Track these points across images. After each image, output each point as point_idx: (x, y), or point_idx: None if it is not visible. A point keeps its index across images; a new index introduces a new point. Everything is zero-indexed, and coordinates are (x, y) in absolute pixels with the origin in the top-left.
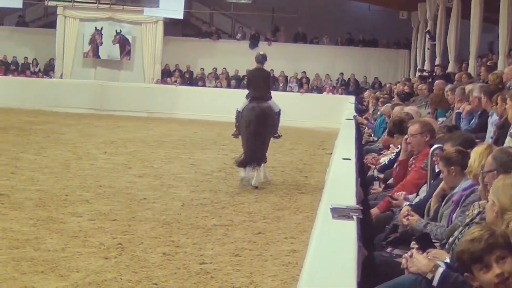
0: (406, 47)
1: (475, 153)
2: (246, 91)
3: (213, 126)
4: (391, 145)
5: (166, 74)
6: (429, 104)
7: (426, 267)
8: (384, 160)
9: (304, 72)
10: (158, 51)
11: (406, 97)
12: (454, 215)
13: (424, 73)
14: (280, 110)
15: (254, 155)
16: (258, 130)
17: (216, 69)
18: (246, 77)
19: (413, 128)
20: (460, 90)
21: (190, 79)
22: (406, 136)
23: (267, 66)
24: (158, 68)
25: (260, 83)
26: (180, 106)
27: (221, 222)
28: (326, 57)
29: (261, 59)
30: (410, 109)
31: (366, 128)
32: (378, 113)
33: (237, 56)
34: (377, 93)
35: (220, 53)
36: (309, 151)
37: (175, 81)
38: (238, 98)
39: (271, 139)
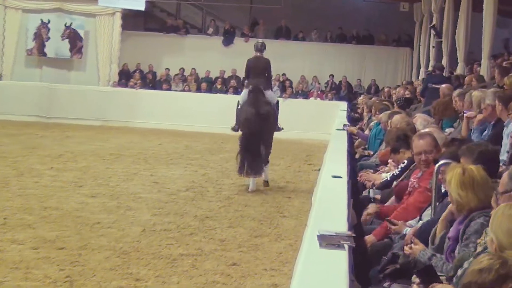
0: (408, 44)
1: (451, 172)
2: (219, 96)
3: (180, 137)
4: (389, 160)
5: (125, 76)
6: (432, 113)
7: None
8: (385, 176)
9: (284, 75)
10: (115, 48)
11: (406, 104)
12: (456, 251)
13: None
14: (278, 102)
15: (254, 164)
16: (260, 136)
17: (183, 69)
18: (245, 66)
19: (425, 142)
20: (468, 96)
21: (153, 81)
22: (418, 151)
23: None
24: (115, 68)
25: (259, 73)
26: (141, 113)
27: (188, 251)
28: (313, 56)
29: (261, 47)
30: (423, 119)
31: (360, 139)
32: (373, 122)
33: (209, 55)
34: (373, 99)
35: (188, 50)
36: (293, 166)
37: (135, 84)
38: (209, 104)
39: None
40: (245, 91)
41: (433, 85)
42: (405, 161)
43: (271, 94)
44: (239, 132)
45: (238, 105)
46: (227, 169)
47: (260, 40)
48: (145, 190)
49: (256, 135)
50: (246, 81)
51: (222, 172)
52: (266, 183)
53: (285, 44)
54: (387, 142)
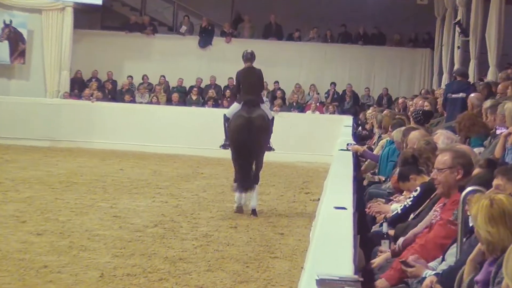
0: (427, 45)
1: (477, 205)
2: (194, 110)
3: (146, 160)
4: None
5: (78, 85)
6: (457, 129)
7: None
8: (395, 208)
9: (277, 83)
10: (66, 51)
11: (425, 118)
12: None
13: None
14: (273, 118)
15: (248, 177)
16: (251, 147)
17: (150, 77)
18: (235, 80)
19: (441, 158)
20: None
21: (112, 92)
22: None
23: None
24: (66, 76)
25: (252, 85)
26: (98, 131)
27: None
28: (311, 60)
29: (250, 56)
30: (445, 137)
31: (367, 161)
32: (385, 140)
33: (182, 59)
34: (385, 112)
35: (156, 54)
36: (287, 196)
37: (91, 95)
38: (183, 120)
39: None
40: (236, 105)
41: (453, 95)
42: (418, 188)
43: (267, 109)
44: (229, 150)
45: (225, 119)
46: (204, 199)
47: (249, 49)
48: (104, 226)
49: (248, 146)
50: (237, 95)
51: (199, 203)
52: (253, 212)
53: (276, 45)
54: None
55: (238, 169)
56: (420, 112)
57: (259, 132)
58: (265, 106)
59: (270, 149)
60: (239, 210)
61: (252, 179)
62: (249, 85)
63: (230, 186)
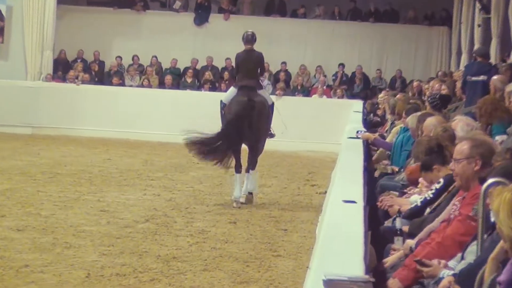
0: (444, 23)
1: (499, 198)
2: (189, 93)
3: (137, 149)
4: (420, 179)
5: (62, 67)
6: (478, 115)
7: None
8: (414, 200)
9: (284, 63)
10: (49, 29)
11: (442, 103)
12: None
13: None
14: (273, 104)
15: (238, 156)
16: (250, 132)
17: (140, 58)
18: (234, 62)
19: (459, 148)
20: None
21: (100, 73)
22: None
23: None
24: (49, 56)
25: (251, 69)
26: (84, 117)
27: None
28: (317, 40)
29: (251, 38)
30: (465, 123)
31: (379, 150)
32: (398, 126)
33: (176, 38)
34: (398, 96)
35: (148, 32)
36: (290, 188)
37: (76, 78)
38: (177, 105)
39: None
40: (232, 89)
41: (472, 78)
42: (441, 180)
43: (266, 94)
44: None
45: (221, 106)
46: (200, 192)
47: (250, 30)
48: (90, 221)
49: (243, 122)
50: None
51: (194, 196)
52: (250, 194)
53: (279, 23)
54: (416, 156)
55: (231, 149)
56: (437, 97)
57: (259, 117)
58: (264, 91)
59: (271, 135)
60: (237, 204)
61: (240, 162)
62: (247, 69)
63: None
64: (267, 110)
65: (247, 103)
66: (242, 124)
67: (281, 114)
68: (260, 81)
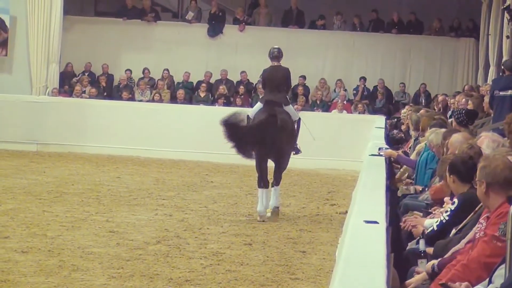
0: (471, 34)
1: None
2: (202, 109)
3: (147, 167)
4: (446, 199)
5: (69, 80)
6: (506, 131)
7: None
8: (430, 224)
9: (302, 77)
10: (55, 41)
11: (468, 118)
12: None
13: None
14: (300, 119)
15: (263, 174)
16: (272, 144)
17: (151, 71)
18: (261, 78)
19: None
20: None
21: (108, 88)
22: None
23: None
24: (55, 69)
25: (278, 85)
26: (92, 133)
27: None
28: (337, 52)
29: (278, 54)
30: (491, 139)
31: (403, 168)
32: (423, 143)
33: (188, 49)
34: (422, 111)
35: (159, 44)
36: (309, 208)
37: (83, 92)
38: (189, 120)
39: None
40: (258, 104)
41: (500, 93)
42: (455, 201)
43: (293, 110)
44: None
45: (247, 119)
46: (214, 212)
47: (276, 46)
48: (98, 242)
49: (268, 142)
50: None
51: (208, 217)
52: (276, 209)
53: (297, 34)
54: (440, 174)
55: (256, 165)
56: (463, 112)
57: (281, 131)
58: (290, 107)
59: (298, 151)
60: (262, 217)
61: (267, 178)
62: (273, 84)
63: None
64: (291, 127)
65: (268, 119)
66: (263, 134)
67: (306, 125)
68: (286, 97)
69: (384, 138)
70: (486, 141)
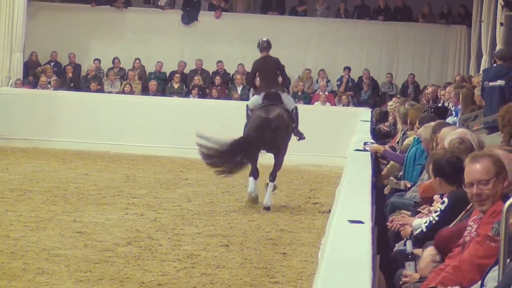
0: (463, 21)
1: None
2: (176, 101)
3: (117, 163)
4: (435, 197)
5: (33, 70)
6: (500, 125)
7: None
8: (418, 224)
9: (282, 67)
10: (18, 29)
11: (438, 115)
12: None
13: None
14: (296, 108)
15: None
16: (268, 148)
17: (121, 61)
18: (251, 69)
19: (481, 168)
20: None
21: (75, 78)
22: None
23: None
24: (19, 59)
25: (271, 75)
26: (58, 127)
27: None
28: (319, 40)
29: (266, 45)
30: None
31: (390, 164)
32: (411, 138)
33: (161, 38)
34: (407, 104)
35: (130, 32)
36: (290, 207)
37: (49, 83)
38: (162, 113)
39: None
40: (256, 97)
41: (489, 83)
42: (445, 200)
43: (289, 98)
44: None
45: (247, 110)
46: (189, 211)
47: (264, 38)
48: (65, 244)
49: (260, 138)
50: (252, 83)
51: (182, 216)
52: (266, 208)
53: (277, 21)
54: (431, 171)
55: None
56: (431, 109)
57: (277, 133)
58: (287, 96)
59: (301, 137)
60: (253, 200)
61: (256, 167)
62: (267, 75)
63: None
64: (286, 124)
65: (264, 120)
66: (259, 140)
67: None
68: (281, 87)
69: (369, 132)
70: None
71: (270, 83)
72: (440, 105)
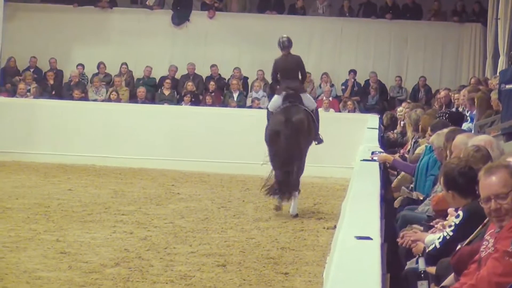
0: (478, 19)
1: None
2: (167, 109)
3: (103, 177)
4: (450, 210)
5: (11, 77)
6: None
7: None
8: (431, 240)
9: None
10: None
11: (453, 121)
12: None
13: None
14: (316, 109)
15: (286, 184)
16: (290, 152)
17: (107, 66)
18: (272, 68)
19: (497, 181)
20: None
21: (57, 85)
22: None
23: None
24: None
25: (292, 74)
26: (39, 138)
27: None
28: (323, 41)
29: (288, 44)
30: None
31: (400, 175)
32: (423, 146)
33: (150, 40)
34: (420, 110)
35: (116, 34)
36: (292, 223)
37: (28, 91)
38: (152, 122)
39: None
40: (276, 98)
41: (506, 86)
42: (460, 213)
43: (309, 98)
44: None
45: (268, 114)
46: (182, 228)
47: (284, 35)
48: (48, 265)
49: (285, 151)
50: (276, 85)
51: (175, 234)
52: (295, 216)
53: (275, 21)
54: (442, 184)
55: (275, 175)
56: (446, 116)
57: (298, 136)
58: (307, 96)
59: (320, 141)
60: (277, 208)
61: (290, 185)
62: (288, 73)
63: (262, 189)
64: (306, 127)
65: (284, 123)
66: (280, 144)
67: None
68: (302, 85)
69: (377, 140)
70: (495, 143)
71: (291, 82)
72: (454, 110)
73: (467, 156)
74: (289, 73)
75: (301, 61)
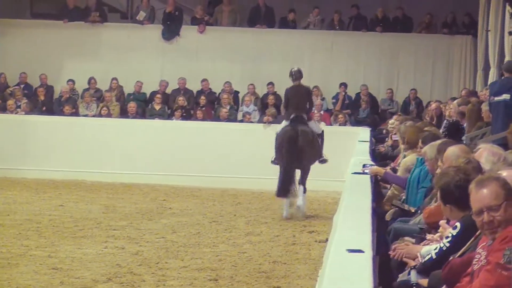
0: (468, 30)
1: None
2: (158, 124)
3: (95, 192)
4: (441, 222)
5: (1, 93)
6: (510, 143)
7: None
8: (427, 251)
9: (271, 84)
10: None
11: (452, 132)
12: None
13: None
14: (323, 132)
15: (289, 181)
16: (297, 153)
17: (97, 81)
18: (284, 97)
19: (488, 193)
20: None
21: (48, 101)
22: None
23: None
24: None
25: (300, 103)
26: (29, 154)
27: None
28: (313, 54)
29: (299, 75)
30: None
31: (392, 188)
32: (409, 157)
33: (140, 55)
34: (409, 123)
35: (106, 49)
36: (284, 236)
37: (18, 107)
38: (143, 138)
39: (317, 163)
40: (284, 122)
41: (495, 98)
42: (457, 225)
43: (316, 124)
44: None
45: (276, 136)
46: (174, 243)
47: (295, 67)
48: (39, 281)
49: (293, 152)
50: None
51: (166, 249)
52: (301, 208)
53: (266, 35)
54: (439, 198)
55: (281, 172)
56: (447, 125)
57: (303, 142)
58: (313, 123)
59: (324, 161)
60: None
61: (292, 185)
62: (297, 103)
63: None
64: (311, 135)
65: (293, 129)
66: (289, 145)
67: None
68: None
69: (369, 153)
70: (485, 154)
71: (299, 110)
72: (452, 121)
73: (454, 175)
74: (298, 101)
75: (310, 92)
